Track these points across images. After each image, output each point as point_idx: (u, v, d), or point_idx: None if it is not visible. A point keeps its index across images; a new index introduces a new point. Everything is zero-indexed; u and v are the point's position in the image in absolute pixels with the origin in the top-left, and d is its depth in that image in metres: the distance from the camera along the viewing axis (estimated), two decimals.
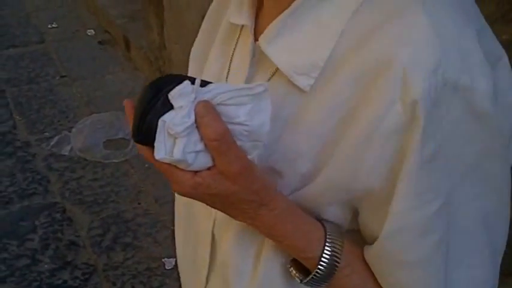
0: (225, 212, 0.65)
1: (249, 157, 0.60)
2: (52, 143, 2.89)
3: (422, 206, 0.59)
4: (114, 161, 2.79)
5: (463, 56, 0.56)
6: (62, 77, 3.52)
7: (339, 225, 0.65)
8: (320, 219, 0.65)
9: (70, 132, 2.93)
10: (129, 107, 0.61)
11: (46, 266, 2.27)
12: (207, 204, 0.64)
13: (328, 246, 0.64)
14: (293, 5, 0.63)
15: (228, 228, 0.72)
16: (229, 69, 0.74)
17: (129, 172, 2.74)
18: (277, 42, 0.63)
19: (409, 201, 0.59)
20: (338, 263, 0.64)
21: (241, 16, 0.71)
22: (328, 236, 0.64)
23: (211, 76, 0.75)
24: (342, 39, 0.60)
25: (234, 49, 0.73)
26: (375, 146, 0.58)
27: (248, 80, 0.69)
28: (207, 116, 0.57)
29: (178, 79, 0.58)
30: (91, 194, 2.62)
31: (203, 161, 0.58)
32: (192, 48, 0.85)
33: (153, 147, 0.58)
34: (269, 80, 0.65)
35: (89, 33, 3.99)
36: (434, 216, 0.59)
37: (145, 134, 0.58)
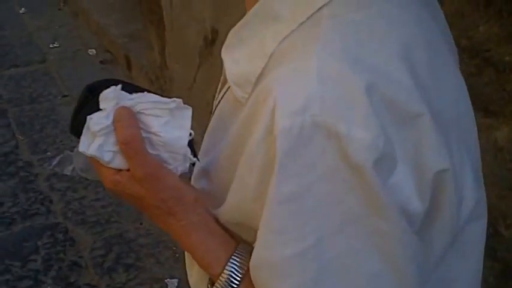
0: (145, 213, 0.68)
1: (170, 167, 0.64)
2: (54, 163, 2.86)
3: (280, 245, 0.56)
4: None
5: (344, 104, 0.53)
6: (64, 96, 3.54)
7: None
8: (237, 241, 0.66)
9: (72, 151, 2.93)
10: None
11: (49, 287, 2.27)
12: (127, 202, 0.68)
13: (229, 265, 0.64)
14: (246, 16, 0.65)
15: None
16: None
17: None
18: (230, 51, 0.66)
19: (267, 237, 0.57)
20: (236, 284, 0.63)
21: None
22: (233, 256, 0.64)
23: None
24: (269, 61, 0.61)
25: None
26: (253, 173, 0.58)
27: (221, 89, 0.73)
28: (121, 121, 0.62)
29: (114, 84, 0.65)
30: (93, 214, 2.62)
31: (121, 161, 0.64)
32: None
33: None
34: (228, 88, 0.68)
35: (91, 53, 4.01)
36: (294, 258, 0.55)
37: (76, 128, 0.66)
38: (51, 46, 4.12)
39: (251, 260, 0.60)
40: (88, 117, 0.63)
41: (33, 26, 4.43)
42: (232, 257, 0.64)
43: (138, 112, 0.63)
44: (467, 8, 1.08)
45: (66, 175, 2.85)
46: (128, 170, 0.63)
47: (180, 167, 0.65)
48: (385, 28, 0.59)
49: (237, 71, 0.64)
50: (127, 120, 0.62)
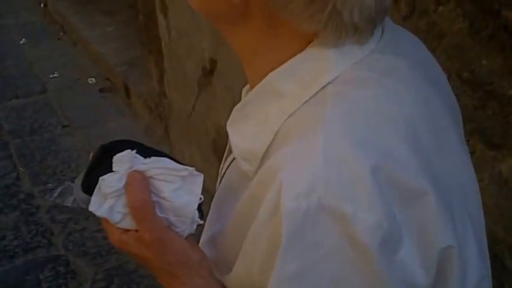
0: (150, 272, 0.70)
1: (177, 230, 0.66)
2: (55, 195, 2.86)
3: None
4: None
5: (348, 186, 0.55)
6: (64, 126, 3.55)
7: None
8: None
9: (73, 182, 2.92)
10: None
11: None
12: (135, 261, 0.72)
13: None
14: (250, 94, 0.67)
15: None
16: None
17: None
18: (235, 126, 0.68)
19: None
20: None
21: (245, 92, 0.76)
22: None
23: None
24: (275, 138, 0.62)
25: None
26: (258, 251, 0.59)
27: (227, 158, 0.75)
28: (133, 185, 0.64)
29: (130, 146, 0.66)
30: (94, 245, 2.61)
31: (129, 223, 0.66)
32: None
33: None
34: (233, 160, 0.70)
35: (90, 82, 4.02)
36: None
37: (88, 186, 0.68)
38: (51, 76, 4.14)
39: None
40: (100, 178, 0.65)
41: (33, 56, 4.45)
42: None
43: (151, 177, 0.65)
44: (469, 41, 1.08)
45: (67, 206, 2.82)
46: (136, 230, 0.65)
47: (187, 230, 0.67)
48: (389, 106, 0.61)
49: (243, 146, 0.66)
50: (138, 185, 0.64)
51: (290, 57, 0.63)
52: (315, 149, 0.56)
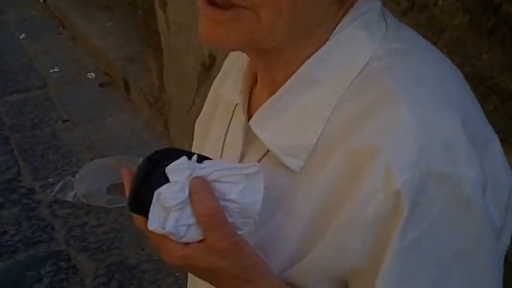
0: (214, 285, 0.66)
1: (239, 232, 0.62)
2: (56, 189, 2.90)
3: None
4: (117, 206, 2.78)
5: (447, 146, 0.57)
6: (64, 121, 3.55)
7: None
8: None
9: (73, 177, 2.95)
10: (127, 175, 0.63)
11: None
12: (196, 276, 0.66)
13: None
14: (281, 89, 0.65)
15: None
16: (223, 147, 0.76)
17: (132, 217, 2.73)
18: (266, 124, 0.66)
19: (391, 286, 0.59)
20: None
21: (235, 94, 0.73)
22: None
23: (209, 152, 0.76)
24: (329, 125, 0.62)
25: (228, 127, 0.76)
26: (359, 231, 0.59)
27: (241, 159, 0.71)
28: (200, 192, 0.59)
29: (177, 154, 0.61)
30: (95, 240, 2.61)
31: (194, 234, 0.61)
32: (198, 119, 0.88)
33: (146, 216, 0.60)
34: (261, 159, 0.68)
35: (90, 76, 4.02)
36: None
37: (140, 204, 0.61)
38: (51, 71, 4.14)
39: None
40: (156, 192, 0.59)
41: (33, 51, 4.45)
42: None
43: (213, 181, 0.61)
44: (469, 35, 1.08)
45: (68, 201, 2.84)
46: (200, 241, 0.61)
47: (248, 231, 0.63)
48: (440, 66, 0.63)
49: (284, 142, 0.64)
50: (205, 191, 0.60)
51: (322, 45, 0.63)
52: (404, 119, 0.57)
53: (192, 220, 0.60)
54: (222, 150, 0.76)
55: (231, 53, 0.83)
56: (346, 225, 0.59)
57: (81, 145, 3.31)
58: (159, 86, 3.13)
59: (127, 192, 0.63)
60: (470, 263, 0.59)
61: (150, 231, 0.61)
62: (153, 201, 0.59)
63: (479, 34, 1.06)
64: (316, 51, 0.63)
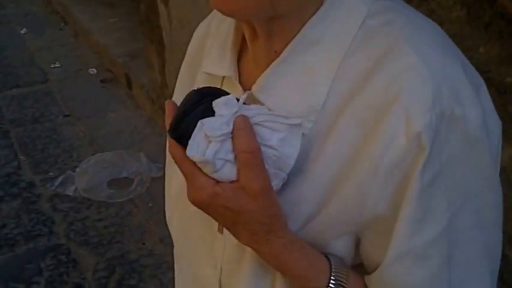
0: (232, 230, 0.66)
1: (271, 184, 0.62)
2: (56, 183, 2.90)
3: (423, 231, 0.61)
4: (118, 200, 2.79)
5: (454, 89, 0.60)
6: (65, 116, 3.56)
7: (342, 259, 0.67)
8: (325, 253, 0.67)
9: (74, 172, 2.95)
10: (170, 106, 0.64)
11: None
12: (217, 220, 0.66)
13: (333, 276, 0.65)
14: (283, 53, 0.65)
15: (238, 276, 0.73)
16: None
17: (133, 211, 2.75)
18: (271, 90, 0.66)
19: (411, 227, 0.61)
20: None
21: (223, 67, 0.73)
22: (333, 267, 0.65)
23: None
24: (335, 84, 0.63)
25: None
26: (380, 178, 0.61)
27: None
28: (244, 129, 0.59)
29: (225, 93, 0.62)
30: (96, 234, 2.62)
31: (229, 172, 0.60)
32: (173, 98, 0.87)
33: (185, 146, 0.60)
34: None
35: (91, 72, 4.03)
36: (434, 241, 0.61)
37: (182, 131, 0.61)
38: (52, 66, 4.15)
39: (385, 259, 0.63)
40: (200, 121, 0.59)
41: (34, 47, 4.47)
42: (333, 267, 0.66)
43: (256, 123, 0.61)
44: (467, 28, 1.09)
45: (69, 195, 2.84)
46: (232, 182, 0.61)
47: (276, 186, 0.63)
48: (428, 22, 0.66)
49: (291, 106, 0.64)
50: (249, 129, 0.60)
51: (319, 7, 0.64)
52: (416, 65, 0.59)
53: (230, 156, 0.60)
54: None
55: (195, 37, 0.84)
56: (366, 175, 0.61)
57: (82, 140, 3.31)
58: (161, 82, 3.14)
59: (167, 122, 0.63)
60: (481, 199, 0.63)
61: (183, 164, 0.61)
62: (196, 129, 0.59)
63: (476, 27, 1.07)
64: (313, 11, 0.64)
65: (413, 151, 0.59)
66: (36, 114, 3.58)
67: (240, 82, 0.71)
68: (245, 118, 0.60)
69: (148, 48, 3.26)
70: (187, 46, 0.83)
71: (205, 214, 0.65)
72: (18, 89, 3.88)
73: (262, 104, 0.65)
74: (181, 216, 0.83)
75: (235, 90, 0.71)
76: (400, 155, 0.59)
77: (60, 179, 2.92)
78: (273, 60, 0.66)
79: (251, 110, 0.61)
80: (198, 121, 0.60)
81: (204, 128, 0.59)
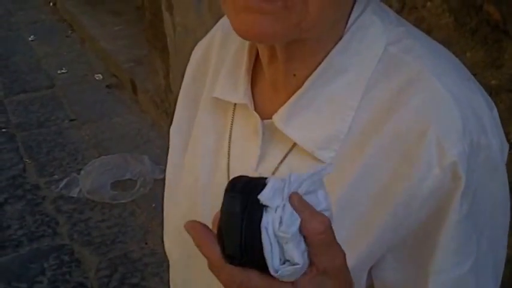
0: None
1: None
2: (61, 185, 2.93)
3: (460, 263, 0.61)
4: (121, 201, 2.83)
5: (478, 117, 0.60)
6: (71, 120, 3.60)
7: None
8: None
9: (79, 174, 2.98)
10: (198, 228, 0.52)
11: None
12: None
13: None
14: (307, 82, 0.64)
15: None
16: (229, 147, 0.72)
17: (136, 212, 2.79)
18: (294, 120, 0.64)
19: (449, 259, 0.61)
20: None
21: (236, 94, 0.70)
22: None
23: (202, 163, 0.75)
24: (359, 113, 0.62)
25: (231, 127, 0.72)
26: (413, 210, 0.60)
27: (261, 158, 0.68)
28: (305, 209, 0.49)
29: (255, 181, 0.51)
30: (99, 235, 2.65)
31: (307, 262, 0.50)
32: (174, 122, 0.84)
33: (257, 265, 0.49)
34: (285, 156, 0.66)
35: (97, 78, 4.08)
36: (469, 272, 0.62)
37: (252, 249, 0.49)
38: (59, 72, 4.20)
39: None
40: (263, 227, 0.48)
41: (41, 53, 4.52)
42: None
43: (304, 194, 0.51)
44: (455, 35, 1.14)
45: (73, 197, 2.88)
46: (306, 273, 0.51)
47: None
48: (439, 46, 0.66)
49: (315, 136, 0.63)
50: (309, 207, 0.50)
51: (341, 34, 0.63)
52: (442, 95, 0.59)
53: (302, 246, 0.49)
54: (229, 157, 0.72)
55: (198, 54, 0.81)
56: (400, 207, 0.60)
57: (87, 143, 3.35)
58: (165, 87, 3.18)
59: (209, 252, 0.51)
60: (494, 223, 0.64)
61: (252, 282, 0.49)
62: (267, 242, 0.48)
63: (463, 34, 1.12)
64: (336, 40, 0.63)
65: (448, 181, 0.58)
66: (42, 119, 3.63)
67: (257, 108, 0.68)
68: (298, 197, 0.50)
69: (153, 54, 3.31)
70: (191, 52, 0.83)
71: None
72: (25, 94, 3.92)
73: (282, 132, 0.64)
74: (185, 262, 0.78)
75: (250, 117, 0.68)
76: (433, 187, 0.58)
77: (64, 181, 2.95)
78: (292, 85, 0.65)
79: (292, 184, 0.50)
80: (258, 228, 0.48)
81: (273, 232, 0.48)
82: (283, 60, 0.64)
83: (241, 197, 0.49)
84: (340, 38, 0.63)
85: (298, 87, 0.64)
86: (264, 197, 0.49)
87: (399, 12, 1.16)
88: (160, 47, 3.13)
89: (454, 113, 0.58)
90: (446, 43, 1.24)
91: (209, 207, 0.71)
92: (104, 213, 2.78)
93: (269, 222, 0.48)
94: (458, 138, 0.58)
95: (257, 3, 0.56)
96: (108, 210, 2.80)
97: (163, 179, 0.86)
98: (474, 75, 1.01)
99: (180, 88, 0.83)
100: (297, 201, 0.49)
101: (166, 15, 2.89)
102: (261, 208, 0.49)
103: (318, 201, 0.51)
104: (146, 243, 2.59)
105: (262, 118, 0.68)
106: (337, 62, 0.63)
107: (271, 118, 0.66)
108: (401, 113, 0.60)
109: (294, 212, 0.49)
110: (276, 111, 0.66)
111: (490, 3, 1.06)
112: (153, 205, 2.77)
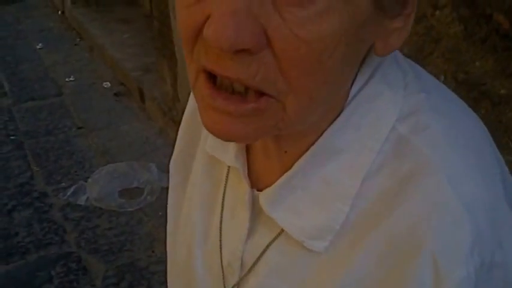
0: None
1: None
2: (68, 193, 2.93)
3: None
4: (128, 209, 2.83)
5: (495, 227, 0.50)
6: (79, 128, 3.61)
7: None
8: None
9: (86, 182, 2.99)
10: None
11: None
12: None
13: None
14: (297, 163, 0.56)
15: None
16: (222, 213, 0.67)
17: (143, 220, 2.79)
18: (282, 204, 0.57)
19: None
20: None
21: (227, 154, 0.63)
22: None
23: (204, 210, 0.70)
24: (356, 203, 0.54)
25: (224, 191, 0.66)
26: None
27: (251, 232, 0.62)
28: None
29: None
30: (106, 242, 2.65)
31: None
32: (172, 162, 0.80)
33: None
34: (276, 238, 0.59)
35: (105, 86, 4.09)
36: None
37: None
38: (67, 80, 4.21)
39: None
40: None
41: (49, 61, 4.53)
42: None
43: None
44: (464, 44, 1.13)
45: (80, 205, 2.88)
46: None
47: None
48: (467, 124, 0.56)
49: (306, 223, 0.56)
50: None
51: (340, 109, 0.54)
52: (450, 203, 0.49)
53: None
54: (222, 217, 0.66)
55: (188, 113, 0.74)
56: None
57: (94, 151, 3.36)
58: (173, 95, 3.20)
59: None
60: None
61: None
62: None
63: (472, 43, 1.11)
64: (332, 119, 0.54)
65: None
66: (50, 127, 3.63)
67: (250, 175, 0.62)
68: None
69: (161, 62, 3.33)
70: None
71: None
72: (33, 101, 3.93)
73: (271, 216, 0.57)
74: None
75: (241, 183, 0.62)
76: None
77: (72, 188, 2.95)
78: (284, 161, 0.57)
79: None
80: None
81: None
82: (271, 138, 0.57)
83: None
84: (339, 114, 0.54)
85: (292, 164, 0.56)
86: None
87: None
88: (168, 55, 3.14)
89: (459, 227, 0.48)
90: (455, 52, 1.25)
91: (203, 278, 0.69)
92: (111, 221, 2.78)
93: None
94: (462, 259, 0.48)
95: (225, 106, 0.48)
96: (115, 218, 2.81)
97: None
98: (483, 84, 1.00)
99: (187, 96, 0.80)
100: None
101: (174, 23, 2.91)
102: None
103: None
104: (153, 251, 2.59)
105: (256, 185, 0.61)
106: (332, 141, 0.54)
107: (263, 188, 0.59)
108: (398, 213, 0.51)
109: None
110: (270, 179, 0.58)
111: (499, 12, 1.06)
112: (160, 213, 2.77)
